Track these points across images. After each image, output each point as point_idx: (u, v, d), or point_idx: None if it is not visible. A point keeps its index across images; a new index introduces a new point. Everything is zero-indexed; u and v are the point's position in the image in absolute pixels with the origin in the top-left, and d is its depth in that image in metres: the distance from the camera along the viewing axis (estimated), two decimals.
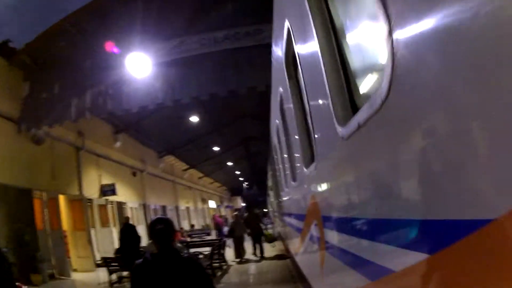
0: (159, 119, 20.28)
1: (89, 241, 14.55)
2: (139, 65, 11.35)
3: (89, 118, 12.08)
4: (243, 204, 66.79)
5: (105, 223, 17.32)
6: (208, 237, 21.72)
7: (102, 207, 17.40)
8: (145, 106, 11.38)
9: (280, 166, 8.17)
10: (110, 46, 11.32)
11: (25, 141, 12.28)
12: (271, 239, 19.13)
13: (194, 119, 20.50)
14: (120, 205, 19.59)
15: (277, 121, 6.80)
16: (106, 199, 17.65)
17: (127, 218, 13.37)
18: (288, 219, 9.04)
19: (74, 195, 15.20)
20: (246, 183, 60.90)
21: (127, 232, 12.10)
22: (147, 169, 23.55)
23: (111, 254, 12.85)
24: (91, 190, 16.72)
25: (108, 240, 16.85)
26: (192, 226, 29.78)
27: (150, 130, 22.00)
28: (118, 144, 19.71)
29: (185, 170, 34.21)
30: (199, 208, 40.68)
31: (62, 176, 14.54)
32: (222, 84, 10.69)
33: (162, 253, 2.95)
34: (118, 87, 11.87)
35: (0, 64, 11.56)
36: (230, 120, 24.01)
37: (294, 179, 5.68)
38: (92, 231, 16.03)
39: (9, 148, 11.64)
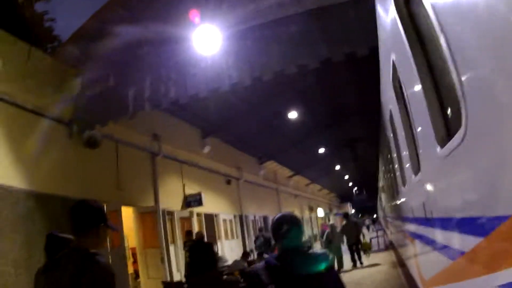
0: (253, 119, 17.64)
1: (162, 260, 12.21)
2: (206, 40, 8.62)
3: (148, 110, 9.61)
4: (353, 211, 62.35)
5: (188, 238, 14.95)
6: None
7: (186, 220, 15.06)
8: (217, 89, 8.65)
9: (396, 157, 6.00)
10: (193, 15, 8.75)
11: (78, 146, 10.23)
12: (367, 248, 17.72)
13: (293, 115, 17.37)
14: (210, 217, 17.14)
15: (390, 106, 5.12)
16: (191, 211, 15.28)
17: (199, 234, 10.61)
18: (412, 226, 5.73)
19: (145, 207, 13.02)
20: (356, 188, 56.37)
21: (199, 252, 9.31)
22: (244, 176, 20.94)
23: None
24: (171, 201, 14.51)
25: None
26: None
27: (245, 133, 19.42)
28: (206, 149, 17.39)
29: (290, 177, 31.24)
30: (306, 217, 37.35)
31: (132, 186, 12.40)
32: (312, 53, 7.45)
33: (287, 256, 2.52)
34: (182, 70, 9.34)
35: (44, 60, 9.59)
36: (332, 114, 20.34)
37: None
38: (172, 248, 13.80)
39: (60, 156, 9.61)
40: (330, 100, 18.15)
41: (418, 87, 2.52)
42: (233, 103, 16.08)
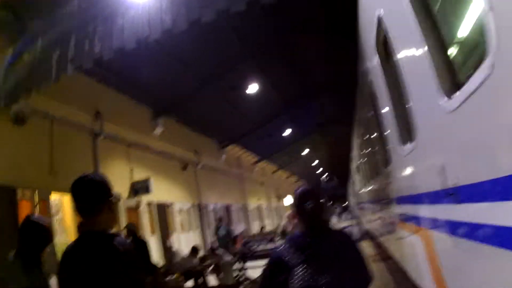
0: (209, 97, 15.82)
1: None
2: None
3: (71, 73, 7.77)
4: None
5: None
6: (273, 245, 16.06)
7: (132, 211, 13.17)
8: (146, 37, 6.82)
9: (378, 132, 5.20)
10: None
11: (5, 123, 8.39)
12: None
13: (253, 88, 15.63)
14: (163, 208, 15.27)
15: (371, 76, 4.65)
16: (138, 200, 13.40)
17: (130, 229, 8.71)
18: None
19: None
20: (326, 175, 55.50)
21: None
22: (202, 161, 19.10)
23: None
24: (116, 188, 12.39)
25: None
26: (262, 228, 25.00)
27: (202, 114, 17.56)
28: (158, 130, 15.47)
29: (255, 163, 29.59)
30: (274, 206, 35.90)
31: (68, 170, 10.40)
32: None
33: (314, 233, 2.46)
34: (109, 22, 7.50)
35: None
36: (300, 91, 18.68)
37: None
38: None
39: None
40: (297, 74, 16.52)
41: (417, 47, 2.23)
42: (185, 79, 14.24)
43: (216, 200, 20.86)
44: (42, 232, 3.04)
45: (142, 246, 7.93)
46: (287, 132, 23.92)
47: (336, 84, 17.28)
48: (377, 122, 4.88)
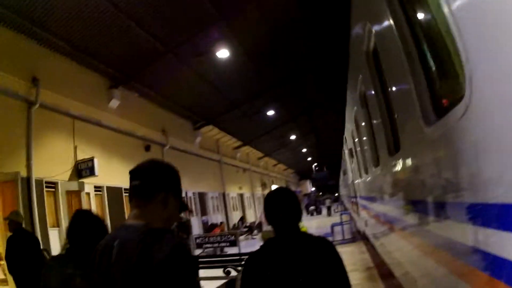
0: (176, 67, 13.73)
1: None
2: None
3: None
4: (313, 189, 59.88)
5: None
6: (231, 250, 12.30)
7: (74, 195, 11.12)
8: None
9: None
10: None
11: None
12: None
13: (224, 53, 13.42)
14: (116, 193, 13.17)
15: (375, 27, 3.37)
16: (81, 183, 11.31)
17: (13, 219, 6.49)
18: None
19: (6, 173, 9.13)
20: (315, 164, 53.58)
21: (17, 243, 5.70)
22: (170, 142, 16.98)
23: None
24: (54, 167, 10.61)
25: None
26: (242, 219, 23.02)
27: (171, 87, 15.44)
28: (114, 103, 13.37)
29: (237, 147, 27.53)
30: (258, 195, 33.92)
31: None
32: None
33: (285, 238, 2.23)
34: None
35: None
36: (282, 60, 16.40)
37: None
38: (54, 234, 10.08)
39: None
40: (277, 40, 14.34)
41: None
42: (147, 41, 12.10)
43: (187, 187, 18.78)
44: (99, 225, 2.74)
45: (30, 241, 5.91)
46: (271, 113, 21.73)
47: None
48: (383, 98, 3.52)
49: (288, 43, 14.53)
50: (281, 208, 2.23)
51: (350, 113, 7.75)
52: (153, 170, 1.85)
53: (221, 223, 19.95)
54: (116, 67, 12.89)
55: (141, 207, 1.76)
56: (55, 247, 10.20)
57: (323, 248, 2.21)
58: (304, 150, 40.54)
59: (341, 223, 15.67)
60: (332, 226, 15.38)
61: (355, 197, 11.62)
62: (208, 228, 18.57)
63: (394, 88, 2.93)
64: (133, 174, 1.81)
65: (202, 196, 20.69)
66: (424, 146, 2.27)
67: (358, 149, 6.92)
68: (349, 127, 9.14)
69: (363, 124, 5.38)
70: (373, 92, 3.93)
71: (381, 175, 4.55)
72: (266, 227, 13.20)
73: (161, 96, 15.80)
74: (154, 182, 1.79)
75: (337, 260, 2.20)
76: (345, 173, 18.58)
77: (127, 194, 13.33)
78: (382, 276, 7.97)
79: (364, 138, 5.54)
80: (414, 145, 2.57)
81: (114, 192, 12.93)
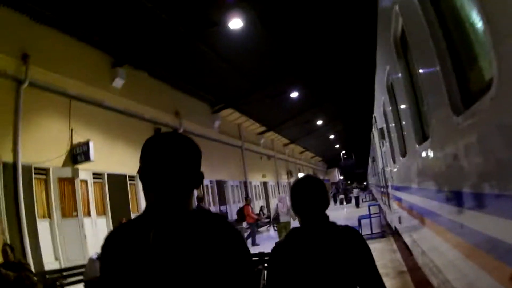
0: (188, 43, 12.36)
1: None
2: None
3: None
4: (341, 177, 58.00)
5: (70, 210, 10.00)
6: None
7: (67, 183, 10.00)
8: None
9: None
10: None
11: None
12: None
13: (237, 23, 11.80)
14: (120, 181, 12.00)
15: None
16: (75, 169, 10.17)
17: None
18: None
19: None
20: (343, 152, 51.55)
21: None
22: (184, 125, 15.70)
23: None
24: (45, 152, 9.53)
25: (74, 238, 9.61)
26: (261, 209, 21.60)
27: (189, 68, 14.11)
28: (118, 82, 12.16)
29: (261, 133, 26.09)
30: (283, 183, 32.47)
31: None
32: None
33: (312, 228, 2.08)
34: None
35: None
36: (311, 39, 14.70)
37: None
38: (44, 225, 9.06)
39: None
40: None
41: None
42: (158, 21, 10.79)
43: (205, 174, 17.51)
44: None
45: None
46: (294, 95, 20.01)
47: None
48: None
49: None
50: (309, 196, 2.13)
51: (381, 80, 5.98)
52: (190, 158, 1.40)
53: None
54: (120, 43, 11.63)
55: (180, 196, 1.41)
56: (45, 241, 9.17)
57: (351, 238, 2.06)
58: (332, 136, 38.65)
59: (369, 216, 14.00)
60: (359, 219, 13.72)
61: (386, 186, 9.95)
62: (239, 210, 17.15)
63: None
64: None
65: (220, 185, 19.39)
66: None
67: (393, 125, 5.22)
68: (380, 98, 7.33)
69: (403, 92, 3.74)
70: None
71: (428, 159, 3.02)
72: (283, 218, 11.75)
73: (174, 76, 14.48)
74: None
75: (366, 251, 2.08)
76: (374, 160, 16.80)
77: (132, 182, 12.33)
78: (418, 284, 6.47)
79: (403, 107, 3.93)
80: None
81: (117, 180, 11.75)
